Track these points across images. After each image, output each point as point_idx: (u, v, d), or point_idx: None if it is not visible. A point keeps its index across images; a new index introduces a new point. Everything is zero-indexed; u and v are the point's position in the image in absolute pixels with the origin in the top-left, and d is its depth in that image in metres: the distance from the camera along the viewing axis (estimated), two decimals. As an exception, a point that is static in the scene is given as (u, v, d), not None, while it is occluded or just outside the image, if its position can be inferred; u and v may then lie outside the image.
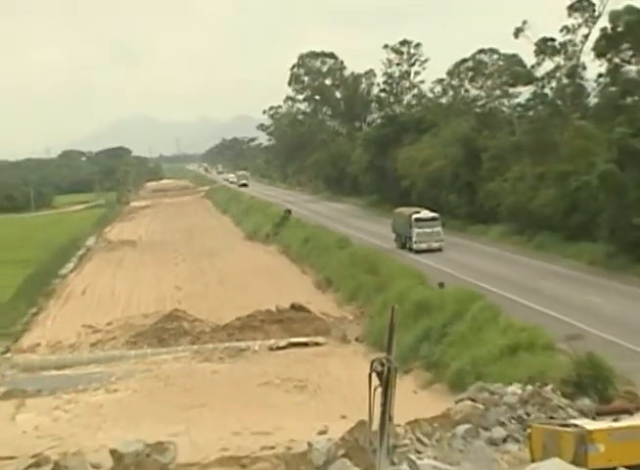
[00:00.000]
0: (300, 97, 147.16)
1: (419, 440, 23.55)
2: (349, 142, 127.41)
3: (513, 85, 77.50)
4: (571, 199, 60.14)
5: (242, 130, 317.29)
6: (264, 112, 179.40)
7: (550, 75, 71.08)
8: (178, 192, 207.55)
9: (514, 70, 77.18)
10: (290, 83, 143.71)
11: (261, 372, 42.44)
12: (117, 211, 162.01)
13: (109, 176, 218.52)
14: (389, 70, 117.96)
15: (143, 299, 65.09)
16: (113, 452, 23.87)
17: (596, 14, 67.68)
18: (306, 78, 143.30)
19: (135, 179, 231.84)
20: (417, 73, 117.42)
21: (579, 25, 68.74)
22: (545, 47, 69.56)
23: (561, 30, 69.18)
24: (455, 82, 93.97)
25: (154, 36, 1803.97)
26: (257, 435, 30.52)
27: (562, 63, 70.14)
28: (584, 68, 69.95)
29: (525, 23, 70.77)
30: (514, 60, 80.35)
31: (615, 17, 58.22)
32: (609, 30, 58.73)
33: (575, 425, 16.75)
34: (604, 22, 61.58)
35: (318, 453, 22.15)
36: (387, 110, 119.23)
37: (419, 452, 22.21)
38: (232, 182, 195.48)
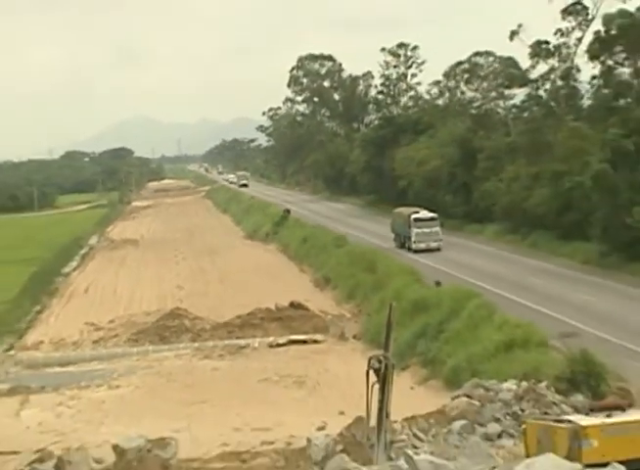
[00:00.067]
0: (299, 99, 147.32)
1: (416, 435, 23.78)
2: (347, 143, 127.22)
3: (508, 87, 77.75)
4: (564, 198, 60.32)
5: (242, 131, 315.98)
6: (264, 113, 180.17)
7: (544, 77, 71.24)
8: (179, 192, 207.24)
9: (509, 73, 77.45)
10: (289, 85, 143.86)
11: (261, 369, 42.74)
12: (120, 210, 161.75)
13: (111, 177, 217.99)
14: (387, 73, 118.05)
15: (145, 297, 65.39)
16: (115, 448, 23.77)
17: (589, 17, 68.06)
18: (305, 80, 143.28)
19: (137, 179, 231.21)
20: (414, 76, 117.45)
21: (573, 29, 69.00)
22: (540, 50, 69.69)
23: (555, 33, 69.47)
24: (451, 84, 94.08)
25: (154, 37, 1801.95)
26: (257, 430, 30.76)
27: (556, 65, 70.32)
28: (578, 70, 70.19)
29: (520, 26, 71.08)
30: (509, 62, 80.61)
31: (608, 20, 58.56)
32: (602, 33, 59.08)
33: (569, 421, 16.81)
34: (597, 25, 62.26)
35: (317, 449, 22.22)
36: (384, 111, 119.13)
37: (416, 448, 22.33)
38: (232, 182, 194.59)
